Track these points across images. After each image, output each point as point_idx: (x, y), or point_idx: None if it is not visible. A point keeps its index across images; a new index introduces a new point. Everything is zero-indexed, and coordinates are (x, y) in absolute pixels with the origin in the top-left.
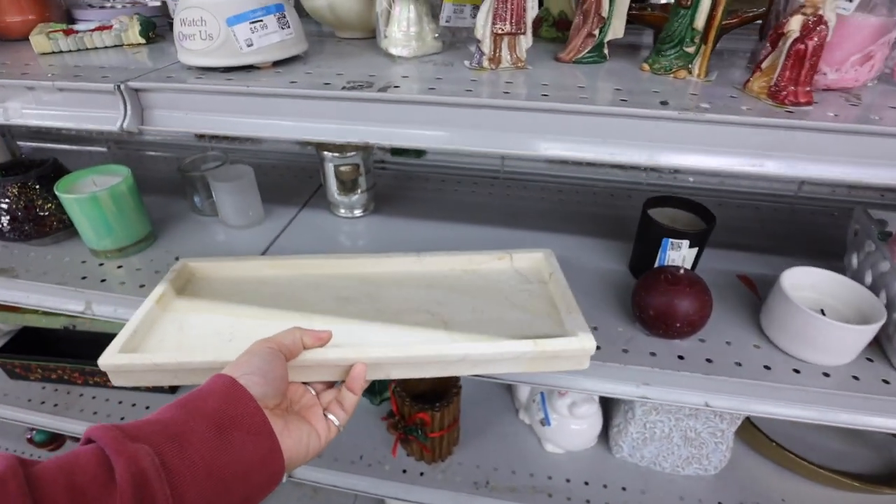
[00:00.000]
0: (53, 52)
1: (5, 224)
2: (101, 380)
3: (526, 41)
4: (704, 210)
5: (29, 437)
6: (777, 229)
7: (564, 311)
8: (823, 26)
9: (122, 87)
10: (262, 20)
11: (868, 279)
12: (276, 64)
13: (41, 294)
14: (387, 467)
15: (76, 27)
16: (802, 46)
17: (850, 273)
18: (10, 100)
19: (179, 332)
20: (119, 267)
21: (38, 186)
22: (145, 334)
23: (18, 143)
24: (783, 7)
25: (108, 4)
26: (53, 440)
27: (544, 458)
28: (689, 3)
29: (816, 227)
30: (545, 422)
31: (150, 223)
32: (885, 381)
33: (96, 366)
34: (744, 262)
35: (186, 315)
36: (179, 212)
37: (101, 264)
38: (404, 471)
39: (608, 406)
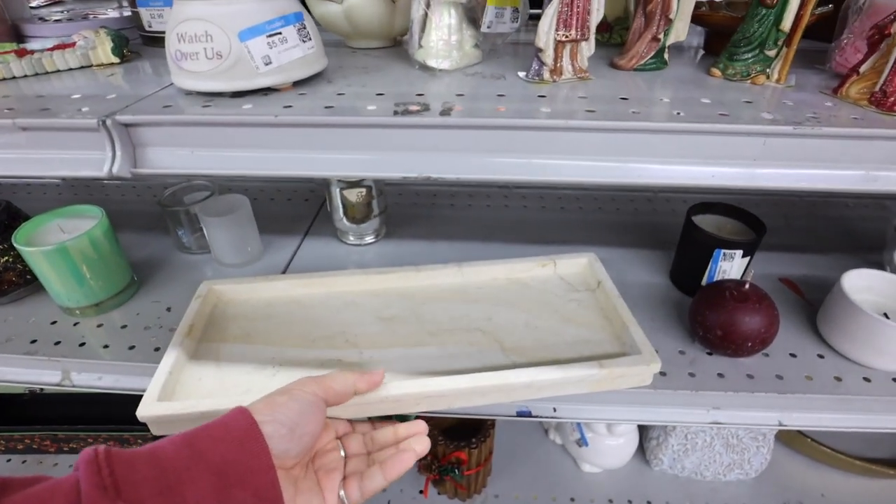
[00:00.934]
0: (4, 79)
1: None
2: (79, 445)
3: (588, 48)
4: (750, 216)
5: None
6: (804, 225)
7: (620, 324)
8: None
9: (109, 122)
10: (280, 32)
11: None
12: (297, 84)
13: (4, 366)
14: None
15: (29, 46)
16: None
17: (890, 269)
18: None
19: (217, 368)
20: (99, 326)
21: None
22: (180, 373)
23: None
24: (862, 3)
25: (63, 17)
26: None
27: (582, 479)
28: (774, 2)
29: (839, 220)
30: (582, 442)
31: (130, 270)
32: None
33: (72, 430)
34: (780, 263)
35: (221, 346)
36: (162, 251)
37: (77, 324)
38: None
39: None
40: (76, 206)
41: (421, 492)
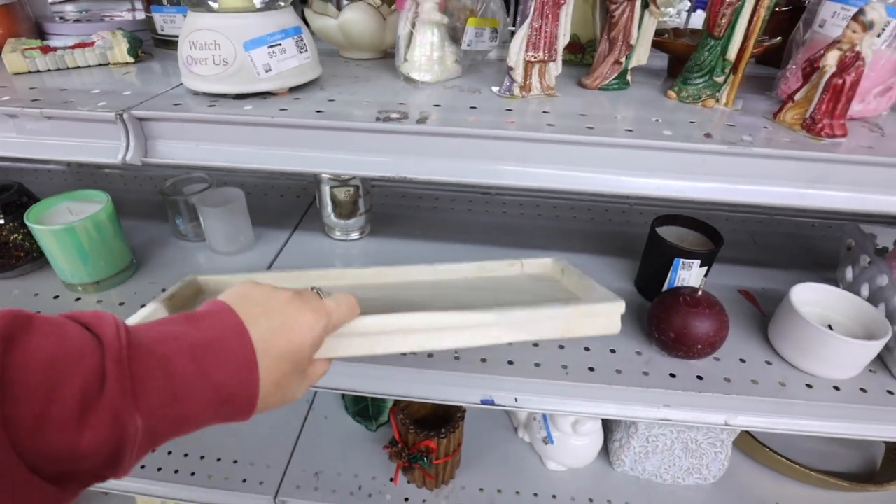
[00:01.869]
0: (30, 72)
1: None
2: None
3: (555, 68)
4: (710, 229)
5: None
6: (767, 242)
7: (588, 289)
8: (861, 62)
9: (126, 116)
10: (280, 44)
11: (864, 292)
12: (293, 90)
13: None
14: (388, 496)
15: (52, 43)
16: (840, 81)
17: (843, 285)
18: None
19: None
20: (98, 301)
21: (2, 216)
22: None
23: None
24: (802, 36)
25: (82, 17)
26: None
27: (547, 476)
28: (721, 33)
29: (802, 239)
30: (548, 440)
31: (129, 253)
32: (890, 392)
33: None
34: (741, 276)
35: None
36: (160, 237)
37: (78, 299)
38: (406, 499)
39: (608, 421)
40: (84, 191)
41: (391, 479)
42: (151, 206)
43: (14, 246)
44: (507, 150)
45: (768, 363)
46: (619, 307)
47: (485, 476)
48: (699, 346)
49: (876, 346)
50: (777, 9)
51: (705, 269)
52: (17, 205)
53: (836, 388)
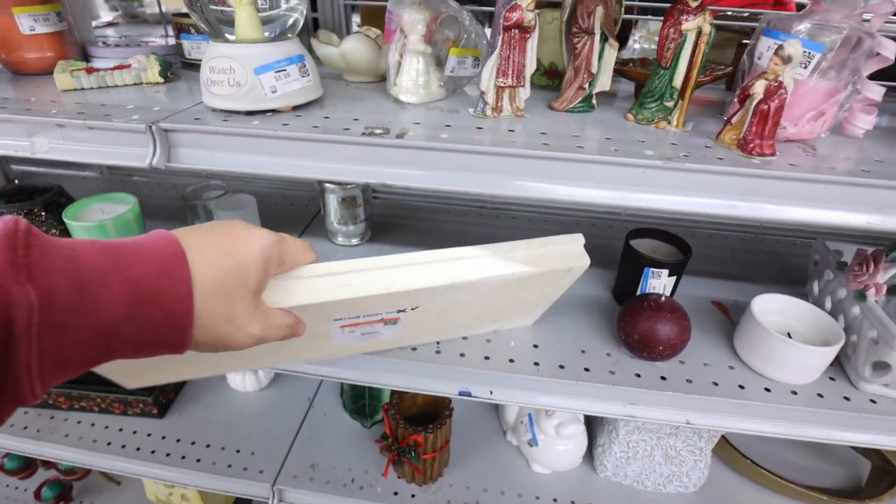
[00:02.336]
0: (76, 90)
1: None
2: (87, 405)
3: (524, 93)
4: (681, 241)
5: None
6: (746, 258)
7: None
8: (783, 90)
9: (154, 127)
10: (285, 69)
11: (828, 305)
12: (296, 108)
13: None
14: (378, 490)
15: (95, 65)
16: (766, 107)
17: (811, 299)
18: (39, 135)
19: None
20: None
21: (43, 213)
22: None
23: (11, 166)
24: (747, 66)
25: (123, 42)
26: (26, 467)
27: (532, 478)
28: (668, 64)
29: (781, 256)
30: (533, 442)
31: None
32: (846, 398)
33: (83, 390)
34: (717, 288)
35: None
36: None
37: None
38: (396, 493)
39: (592, 426)
40: (114, 194)
41: (382, 473)
42: (173, 210)
43: None
44: (471, 162)
45: (731, 368)
46: (579, 238)
47: (472, 475)
48: (661, 348)
49: (829, 353)
50: (744, 41)
51: (674, 278)
52: (57, 204)
53: (794, 393)
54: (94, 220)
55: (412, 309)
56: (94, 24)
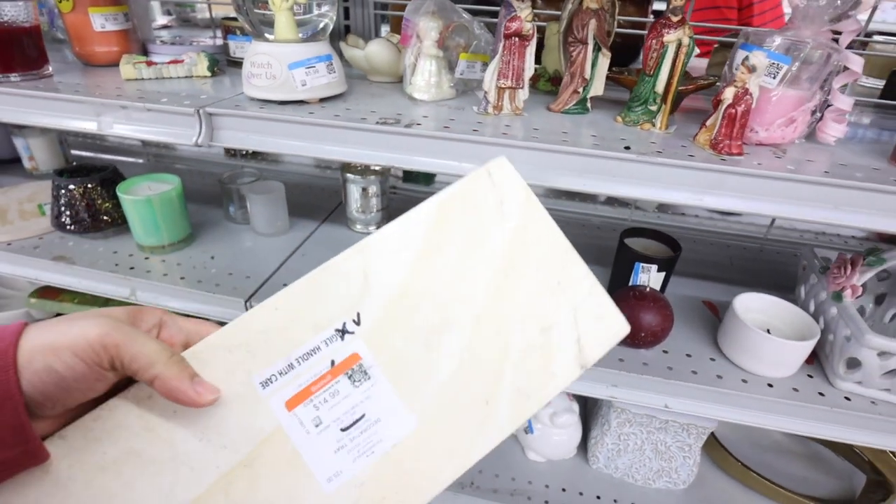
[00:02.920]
0: (137, 79)
1: (67, 218)
2: None
3: (523, 94)
4: (673, 241)
5: None
6: (744, 265)
7: None
8: (749, 96)
9: (201, 111)
10: (315, 66)
11: (812, 307)
12: (322, 100)
13: (92, 280)
14: None
15: (153, 59)
16: (733, 111)
17: (799, 303)
18: (105, 115)
19: None
20: (162, 261)
21: (99, 188)
22: None
23: (71, 151)
24: (728, 76)
25: (177, 41)
26: None
27: (526, 464)
28: (651, 72)
29: (779, 264)
30: (528, 430)
31: (190, 226)
32: (821, 394)
33: None
34: (711, 290)
35: None
36: (215, 219)
37: (147, 258)
38: None
39: (587, 419)
40: (162, 174)
41: None
42: (210, 194)
43: (104, 213)
44: (467, 150)
45: (712, 360)
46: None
47: None
48: (643, 334)
49: (802, 347)
50: None
51: (664, 274)
52: (111, 181)
53: (770, 385)
54: (142, 195)
55: (355, 322)
56: (151, 25)
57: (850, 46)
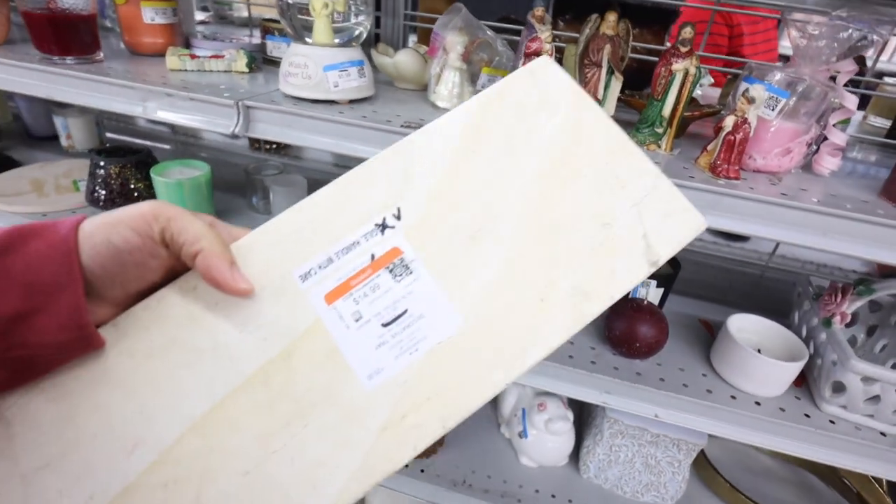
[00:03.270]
0: (180, 70)
1: (103, 196)
2: None
3: None
4: (674, 260)
5: None
6: (744, 289)
7: None
8: (747, 125)
9: (239, 103)
10: (347, 70)
11: (804, 332)
12: (352, 102)
13: None
14: None
15: (196, 52)
16: (732, 138)
17: (793, 327)
18: (150, 101)
19: None
20: None
21: (133, 168)
22: None
23: (107, 133)
24: (732, 105)
25: (218, 38)
26: None
27: (519, 468)
28: (659, 97)
29: (778, 291)
30: (523, 434)
31: (214, 212)
32: (807, 416)
33: None
34: (709, 310)
35: None
36: (237, 207)
37: None
38: None
39: (581, 428)
40: (192, 161)
41: None
42: (235, 184)
43: (136, 192)
44: None
45: (703, 375)
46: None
47: (464, 457)
48: (637, 345)
49: (790, 368)
50: None
51: (662, 289)
52: (145, 164)
53: (758, 404)
54: (174, 178)
55: (395, 217)
56: (194, 21)
57: (856, 85)
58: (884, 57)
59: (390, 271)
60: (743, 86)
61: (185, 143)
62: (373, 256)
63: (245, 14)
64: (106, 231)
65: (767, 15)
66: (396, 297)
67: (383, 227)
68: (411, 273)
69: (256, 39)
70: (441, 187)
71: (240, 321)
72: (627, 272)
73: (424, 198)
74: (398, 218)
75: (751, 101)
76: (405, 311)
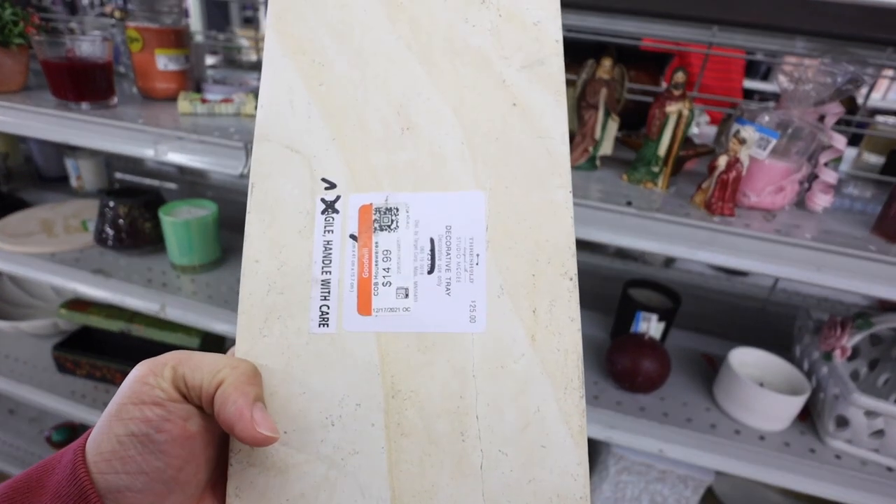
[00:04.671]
0: (191, 114)
1: (110, 235)
2: None
3: None
4: (675, 294)
5: (47, 435)
6: (746, 323)
7: None
8: (740, 164)
9: (248, 145)
10: None
11: (806, 366)
12: None
13: (125, 294)
14: None
15: (207, 97)
16: (726, 177)
17: (794, 361)
18: (162, 144)
19: None
20: (192, 280)
21: (142, 209)
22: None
23: (116, 174)
24: (726, 146)
25: (228, 81)
26: (72, 440)
27: None
28: (655, 137)
29: (779, 324)
30: None
31: (220, 250)
32: (812, 450)
33: None
34: (711, 344)
35: None
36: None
37: (178, 276)
38: None
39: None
40: (200, 200)
41: None
42: (239, 222)
43: (144, 232)
44: None
45: (707, 409)
46: None
47: None
48: (640, 379)
49: (793, 402)
50: None
51: (664, 323)
52: (153, 204)
53: (762, 438)
54: (181, 218)
55: (330, 186)
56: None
57: (850, 124)
58: (877, 95)
59: (380, 228)
60: (735, 127)
61: (192, 182)
62: (353, 236)
63: (254, 58)
64: (111, 429)
65: (730, 54)
66: (411, 239)
67: (329, 205)
68: (397, 209)
69: None
70: (332, 114)
71: (319, 425)
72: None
73: (330, 142)
74: (332, 185)
75: (742, 141)
76: (431, 241)
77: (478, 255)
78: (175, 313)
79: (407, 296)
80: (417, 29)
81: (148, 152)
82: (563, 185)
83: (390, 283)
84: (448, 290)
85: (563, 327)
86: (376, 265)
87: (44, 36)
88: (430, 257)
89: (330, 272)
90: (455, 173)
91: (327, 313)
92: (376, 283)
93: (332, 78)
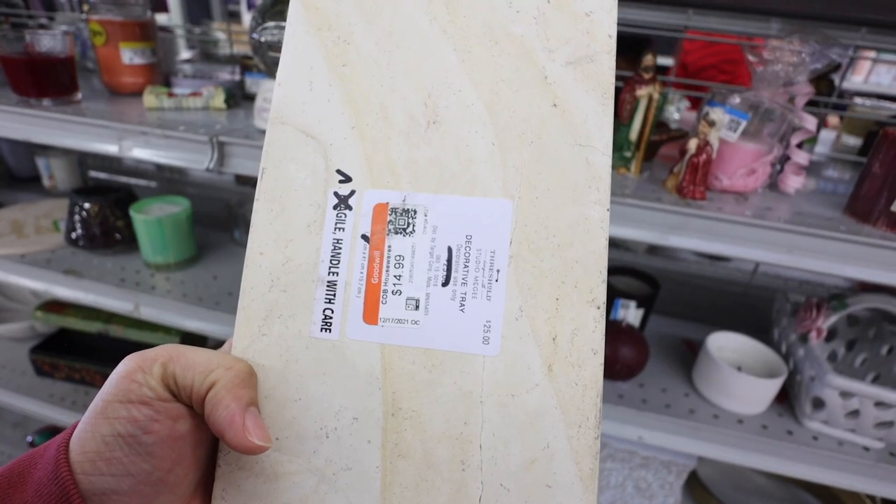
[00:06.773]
0: (158, 109)
1: (80, 234)
2: None
3: None
4: (654, 280)
5: (30, 440)
6: (727, 307)
7: None
8: (710, 147)
9: (214, 139)
10: None
11: (784, 348)
12: None
13: (98, 294)
14: None
15: (175, 91)
16: (696, 160)
17: (773, 344)
18: (126, 139)
19: None
20: (167, 279)
21: (113, 207)
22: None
23: (91, 172)
24: (698, 129)
25: (198, 75)
26: None
27: None
28: (626, 122)
29: (760, 308)
30: None
31: (196, 247)
32: (789, 432)
33: None
34: (692, 330)
35: None
36: (220, 241)
37: (153, 275)
38: None
39: None
40: (172, 196)
41: None
42: (217, 218)
43: (116, 230)
44: None
45: (686, 395)
46: None
47: None
48: (618, 367)
49: (770, 384)
50: None
51: (643, 310)
52: (125, 201)
53: (740, 422)
54: (153, 216)
55: (345, 179)
56: (176, 59)
57: (833, 106)
58: (859, 78)
59: (394, 231)
60: (705, 109)
61: (170, 179)
62: (364, 236)
63: (229, 52)
64: (96, 429)
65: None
66: (427, 245)
67: (342, 199)
68: (415, 210)
69: (239, 76)
70: (353, 99)
71: (313, 435)
72: None
73: (349, 131)
74: (347, 178)
75: (711, 123)
76: (449, 250)
77: (498, 272)
78: (149, 312)
79: (417, 307)
80: (455, 10)
81: (112, 148)
82: (600, 202)
83: (400, 292)
84: (462, 305)
85: (585, 360)
86: (387, 271)
87: (2, 30)
88: (445, 268)
89: (337, 273)
90: (482, 177)
91: (331, 318)
92: (385, 291)
93: (358, 59)
